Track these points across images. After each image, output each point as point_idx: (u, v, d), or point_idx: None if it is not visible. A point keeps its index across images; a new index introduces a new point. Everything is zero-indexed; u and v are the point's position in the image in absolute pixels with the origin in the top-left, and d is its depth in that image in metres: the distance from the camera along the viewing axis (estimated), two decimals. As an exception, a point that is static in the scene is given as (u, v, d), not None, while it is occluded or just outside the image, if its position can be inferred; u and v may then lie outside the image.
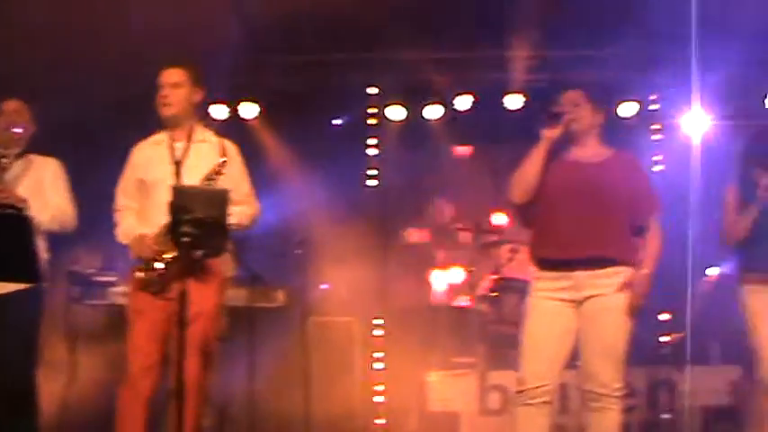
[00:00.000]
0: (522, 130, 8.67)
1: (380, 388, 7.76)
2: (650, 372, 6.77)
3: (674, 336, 7.73)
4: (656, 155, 8.85)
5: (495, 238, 7.77)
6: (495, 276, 7.49)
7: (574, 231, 4.42)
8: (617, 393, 4.41)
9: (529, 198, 4.53)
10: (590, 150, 4.62)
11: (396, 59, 8.26)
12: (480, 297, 7.54)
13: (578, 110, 4.56)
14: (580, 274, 4.41)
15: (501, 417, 6.56)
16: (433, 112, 8.81)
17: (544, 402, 4.39)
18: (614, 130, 8.73)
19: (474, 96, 8.76)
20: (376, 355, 7.99)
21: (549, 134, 4.50)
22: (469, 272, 7.86)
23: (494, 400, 6.58)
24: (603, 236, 4.44)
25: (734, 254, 5.36)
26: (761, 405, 5.29)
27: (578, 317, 4.45)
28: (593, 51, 8.43)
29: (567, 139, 4.62)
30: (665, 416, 6.72)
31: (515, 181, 4.56)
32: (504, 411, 6.56)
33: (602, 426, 4.40)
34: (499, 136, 8.69)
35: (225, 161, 4.76)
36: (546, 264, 4.52)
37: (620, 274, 4.44)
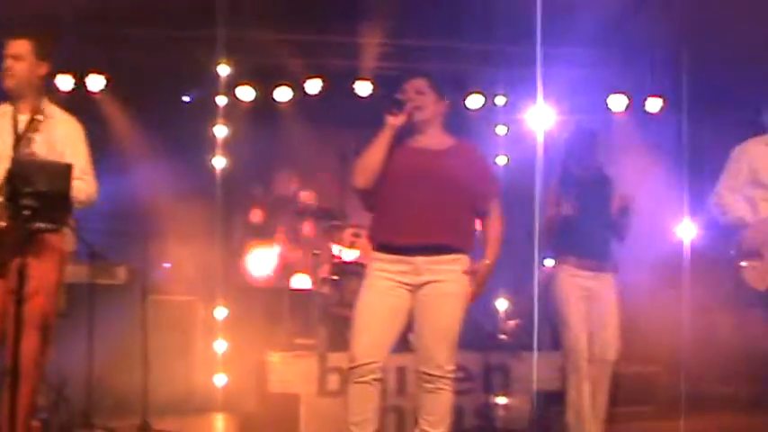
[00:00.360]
0: (372, 116, 8.92)
1: (220, 368, 7.76)
2: (485, 357, 6.92)
3: (512, 323, 8.00)
4: (501, 147, 9.14)
5: (338, 221, 7.77)
6: (337, 260, 7.54)
7: (415, 218, 4.50)
8: (450, 375, 4.53)
9: (371, 183, 4.58)
10: (432, 139, 4.69)
11: (248, 40, 8.25)
12: (322, 280, 7.60)
13: (422, 98, 4.63)
14: (419, 260, 4.49)
15: (340, 398, 6.57)
16: (283, 94, 8.85)
17: (375, 379, 4.47)
18: (461, 122, 9.18)
19: (324, 81, 8.83)
20: (216, 335, 7.97)
21: (393, 121, 4.56)
22: (313, 255, 7.90)
23: (333, 381, 6.57)
24: (444, 223, 4.54)
25: (552, 245, 5.82)
26: (575, 386, 5.61)
27: (414, 301, 4.54)
28: (443, 42, 8.61)
29: (411, 127, 4.67)
30: (499, 400, 6.90)
31: (358, 166, 4.61)
32: (344, 393, 6.58)
33: (437, 405, 4.52)
34: (348, 121, 8.77)
35: (41, 119, 4.72)
36: (386, 248, 4.58)
37: (458, 261, 4.56)
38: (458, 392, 5.93)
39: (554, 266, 5.86)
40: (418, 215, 4.50)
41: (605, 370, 5.70)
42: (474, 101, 9.10)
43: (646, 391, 7.74)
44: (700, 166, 8.21)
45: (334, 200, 7.91)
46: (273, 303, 7.99)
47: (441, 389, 4.50)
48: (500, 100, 9.21)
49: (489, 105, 9.16)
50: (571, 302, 5.67)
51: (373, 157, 4.56)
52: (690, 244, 7.94)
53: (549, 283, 5.85)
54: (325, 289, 7.50)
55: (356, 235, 7.76)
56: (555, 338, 7.62)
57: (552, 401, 6.77)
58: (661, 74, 8.48)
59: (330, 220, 7.69)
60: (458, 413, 6.33)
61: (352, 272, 7.52)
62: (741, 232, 5.95)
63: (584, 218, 5.63)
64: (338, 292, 7.29)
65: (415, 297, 4.53)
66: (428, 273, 4.50)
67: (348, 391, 4.53)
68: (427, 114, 4.65)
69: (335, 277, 7.41)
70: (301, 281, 8.40)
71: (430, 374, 4.50)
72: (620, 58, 8.37)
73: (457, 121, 8.95)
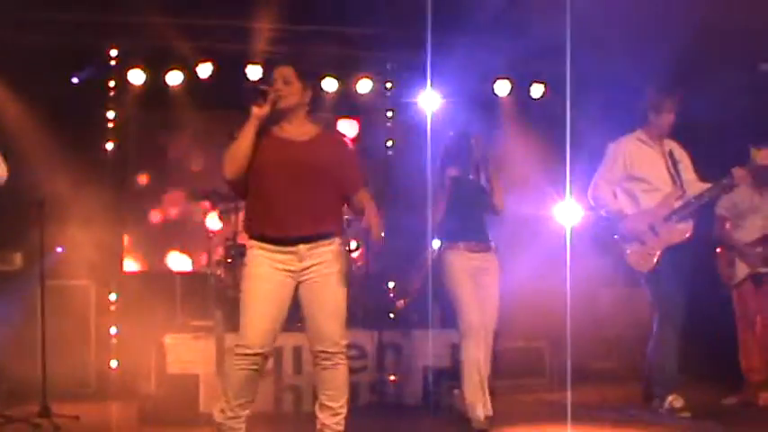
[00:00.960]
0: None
1: (118, 351, 7.77)
2: (378, 335, 7.09)
3: (401, 302, 8.19)
4: (391, 131, 9.32)
5: (231, 204, 7.68)
6: (231, 243, 7.58)
7: (290, 210, 4.56)
8: (345, 349, 4.69)
9: (240, 174, 4.58)
10: (298, 128, 4.71)
11: (138, 23, 8.18)
12: (216, 262, 7.68)
13: (288, 87, 4.63)
14: (301, 248, 4.57)
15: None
16: (174, 77, 8.82)
17: (260, 363, 4.56)
18: (352, 106, 9.33)
19: (215, 65, 8.85)
20: (113, 318, 7.97)
21: (258, 112, 4.56)
22: (208, 237, 7.97)
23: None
24: (318, 213, 4.61)
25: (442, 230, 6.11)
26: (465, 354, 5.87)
27: (299, 285, 4.62)
28: (333, 27, 8.73)
29: (277, 116, 4.68)
30: (392, 377, 7.09)
31: (227, 158, 4.58)
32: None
33: (336, 380, 4.65)
34: (240, 105, 8.81)
35: None
36: (265, 239, 4.60)
37: (335, 242, 4.67)
38: (352, 370, 6.12)
39: (443, 249, 6.10)
40: (294, 208, 4.56)
41: (488, 340, 5.96)
42: (364, 85, 9.28)
43: (533, 364, 8.10)
44: (580, 149, 8.54)
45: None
46: (169, 286, 8.04)
47: (338, 363, 4.64)
48: (389, 85, 9.39)
49: (379, 90, 9.33)
50: (462, 281, 5.92)
51: (240, 147, 4.55)
52: (573, 225, 8.23)
53: (438, 264, 6.09)
54: (220, 271, 7.60)
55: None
56: (444, 317, 7.90)
57: (443, 377, 7.03)
58: (544, 60, 8.72)
59: (224, 202, 7.73)
60: (353, 390, 6.43)
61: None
62: (623, 221, 6.33)
63: (467, 207, 6.03)
64: (232, 274, 7.37)
65: (299, 281, 4.61)
66: (309, 258, 4.58)
67: (235, 374, 4.55)
68: (292, 103, 4.66)
69: (229, 260, 7.50)
70: (181, 262, 8.44)
71: (327, 352, 4.62)
72: (504, 45, 8.58)
73: (347, 104, 9.26)
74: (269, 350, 4.61)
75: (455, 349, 6.50)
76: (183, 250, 9.01)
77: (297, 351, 6.83)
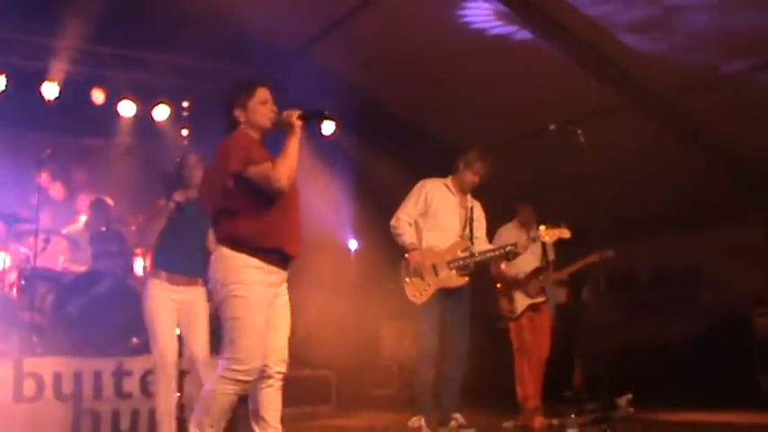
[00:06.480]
0: (58, 119, 8.90)
1: None
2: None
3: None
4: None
5: (27, 226, 7.59)
6: (27, 265, 7.49)
7: (296, 229, 4.61)
8: None
9: None
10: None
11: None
12: (11, 285, 7.54)
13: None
14: (285, 273, 4.58)
15: (35, 404, 6.58)
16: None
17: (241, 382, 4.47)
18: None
19: (8, 79, 8.68)
20: None
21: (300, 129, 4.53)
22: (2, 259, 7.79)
23: (29, 386, 6.56)
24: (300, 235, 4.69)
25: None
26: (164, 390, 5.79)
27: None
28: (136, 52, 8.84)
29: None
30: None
31: (289, 170, 4.44)
32: (39, 398, 6.62)
33: (279, 401, 4.66)
34: (36, 125, 8.72)
35: None
36: (272, 255, 4.49)
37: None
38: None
39: (146, 278, 6.09)
40: (297, 227, 4.61)
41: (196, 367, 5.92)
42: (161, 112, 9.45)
43: (321, 391, 8.38)
44: (367, 184, 9.01)
45: (28, 204, 7.83)
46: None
47: (280, 384, 4.68)
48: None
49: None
50: (160, 314, 5.81)
51: (296, 160, 4.47)
52: (356, 257, 8.65)
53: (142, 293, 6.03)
54: (14, 294, 7.48)
55: (46, 240, 7.75)
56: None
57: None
58: (337, 98, 9.11)
59: (19, 223, 7.62)
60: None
61: (43, 277, 7.56)
62: (412, 253, 6.82)
63: (178, 236, 5.82)
64: (28, 296, 7.28)
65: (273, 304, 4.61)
66: (283, 282, 4.63)
67: (227, 398, 4.44)
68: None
69: (24, 282, 7.40)
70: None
71: (281, 372, 4.65)
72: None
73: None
74: (264, 368, 4.56)
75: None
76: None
77: (97, 376, 6.83)
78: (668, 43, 8.25)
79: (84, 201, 8.59)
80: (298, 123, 4.49)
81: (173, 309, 5.79)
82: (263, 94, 4.63)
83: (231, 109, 4.63)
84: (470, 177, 6.93)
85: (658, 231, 10.01)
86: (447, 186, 7.03)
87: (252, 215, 4.47)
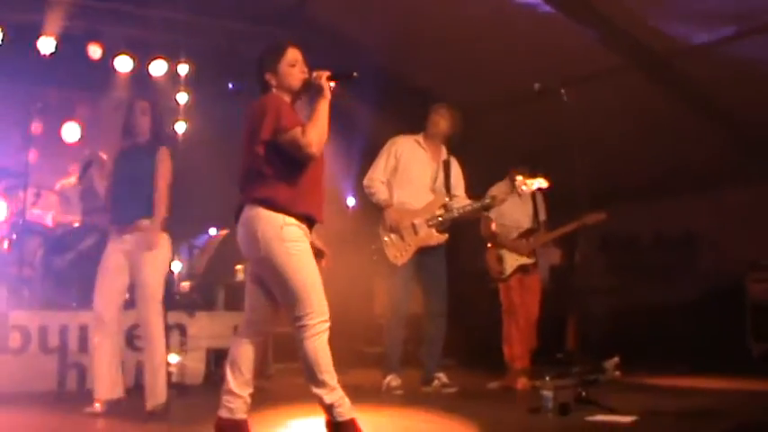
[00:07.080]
0: (54, 74, 8.91)
1: None
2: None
3: (185, 284, 8.36)
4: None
5: (16, 180, 7.60)
6: (17, 219, 7.51)
7: (323, 196, 4.60)
8: None
9: None
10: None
11: None
12: (1, 239, 7.58)
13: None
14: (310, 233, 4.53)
15: (21, 356, 6.69)
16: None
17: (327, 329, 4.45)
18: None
19: (4, 33, 8.66)
20: None
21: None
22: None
23: (15, 339, 6.68)
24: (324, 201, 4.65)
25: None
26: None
27: None
28: (130, 7, 8.80)
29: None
30: (172, 357, 7.20)
31: (319, 135, 4.40)
32: (25, 351, 6.73)
33: (256, 354, 4.65)
34: (30, 78, 8.71)
35: None
36: (301, 219, 4.46)
37: None
38: (139, 350, 6.32)
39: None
40: (322, 194, 4.60)
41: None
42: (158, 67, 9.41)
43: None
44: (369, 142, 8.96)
45: (13, 157, 7.85)
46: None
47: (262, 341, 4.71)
48: (183, 68, 9.53)
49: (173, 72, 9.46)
50: (104, 266, 5.72)
51: (327, 124, 4.45)
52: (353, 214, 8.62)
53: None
54: (4, 248, 7.52)
55: (37, 195, 7.78)
56: (228, 300, 8.15)
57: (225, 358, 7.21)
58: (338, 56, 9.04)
59: (9, 178, 7.64)
60: (138, 370, 6.64)
61: (33, 231, 7.60)
62: (387, 210, 6.84)
63: (123, 185, 5.78)
64: (17, 251, 7.32)
65: None
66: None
67: (325, 344, 4.41)
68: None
69: (14, 236, 7.44)
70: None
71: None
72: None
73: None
74: (328, 317, 4.49)
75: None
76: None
77: (83, 329, 6.89)
78: (671, 5, 8.13)
79: (77, 155, 8.60)
80: (327, 85, 4.44)
81: (122, 262, 5.69)
82: (292, 54, 4.58)
83: (262, 73, 4.59)
84: (438, 123, 7.03)
85: (657, 195, 9.93)
86: (418, 142, 7.08)
87: (283, 180, 4.44)
